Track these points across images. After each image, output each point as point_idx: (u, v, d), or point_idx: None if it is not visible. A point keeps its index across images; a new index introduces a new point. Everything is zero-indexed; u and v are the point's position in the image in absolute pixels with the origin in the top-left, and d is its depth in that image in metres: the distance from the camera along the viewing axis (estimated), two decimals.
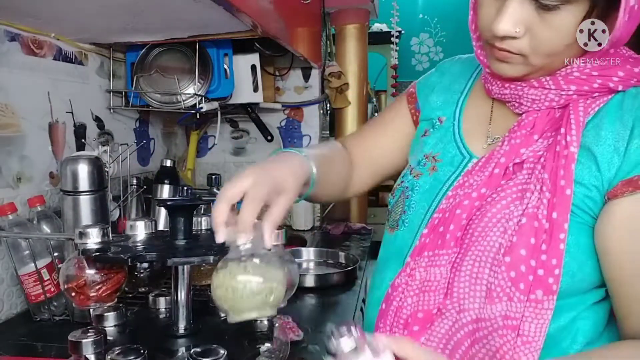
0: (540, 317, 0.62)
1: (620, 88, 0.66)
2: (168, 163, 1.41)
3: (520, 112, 0.72)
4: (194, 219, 0.86)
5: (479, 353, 0.65)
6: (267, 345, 0.80)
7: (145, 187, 1.40)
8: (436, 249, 0.69)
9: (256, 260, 0.62)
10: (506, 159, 0.69)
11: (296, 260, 0.91)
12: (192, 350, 0.68)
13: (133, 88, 1.43)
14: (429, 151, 0.80)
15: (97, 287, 0.79)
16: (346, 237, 1.75)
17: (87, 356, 0.69)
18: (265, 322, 0.88)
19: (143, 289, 1.01)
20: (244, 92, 1.61)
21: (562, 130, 0.66)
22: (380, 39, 2.91)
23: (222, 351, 0.68)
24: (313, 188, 0.76)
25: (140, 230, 0.83)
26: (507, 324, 0.63)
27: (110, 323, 0.82)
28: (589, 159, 0.64)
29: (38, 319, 1.03)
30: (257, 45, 1.59)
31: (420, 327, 0.69)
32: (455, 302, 0.67)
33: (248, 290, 0.62)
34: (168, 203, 0.82)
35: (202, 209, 1.47)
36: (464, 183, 0.71)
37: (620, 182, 0.62)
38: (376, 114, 3.20)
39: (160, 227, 1.32)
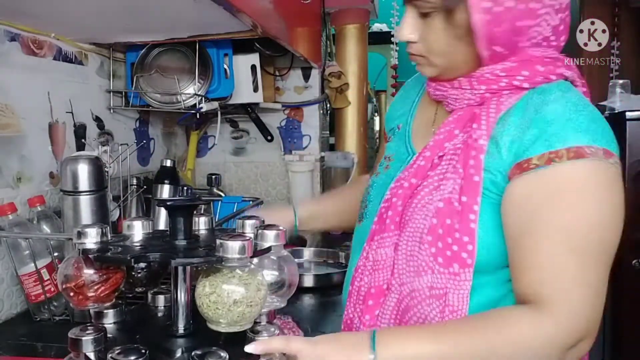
0: (460, 288, 0.72)
1: (526, 85, 0.75)
2: (168, 163, 1.41)
3: (450, 111, 0.82)
4: (194, 219, 0.86)
5: (410, 320, 0.76)
6: None
7: (145, 187, 1.40)
8: (382, 233, 0.81)
9: None
10: (431, 153, 0.80)
11: (296, 260, 0.91)
12: (193, 353, 0.68)
13: (133, 88, 1.43)
14: (388, 154, 0.92)
15: (96, 287, 0.78)
16: (346, 237, 1.75)
17: (87, 354, 0.69)
18: (265, 323, 0.88)
19: (140, 289, 1.01)
20: (244, 92, 1.61)
21: (475, 125, 0.76)
22: (380, 39, 2.89)
23: (222, 354, 0.68)
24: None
25: (137, 230, 0.82)
26: (433, 294, 0.74)
27: (109, 320, 0.82)
28: (495, 148, 0.73)
29: (38, 319, 1.03)
30: (257, 45, 1.59)
31: (374, 302, 0.80)
32: (397, 278, 0.79)
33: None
34: (168, 203, 0.82)
35: (202, 209, 1.47)
36: (402, 176, 0.82)
37: (513, 166, 0.71)
38: (376, 114, 3.19)
39: (161, 227, 1.32)
